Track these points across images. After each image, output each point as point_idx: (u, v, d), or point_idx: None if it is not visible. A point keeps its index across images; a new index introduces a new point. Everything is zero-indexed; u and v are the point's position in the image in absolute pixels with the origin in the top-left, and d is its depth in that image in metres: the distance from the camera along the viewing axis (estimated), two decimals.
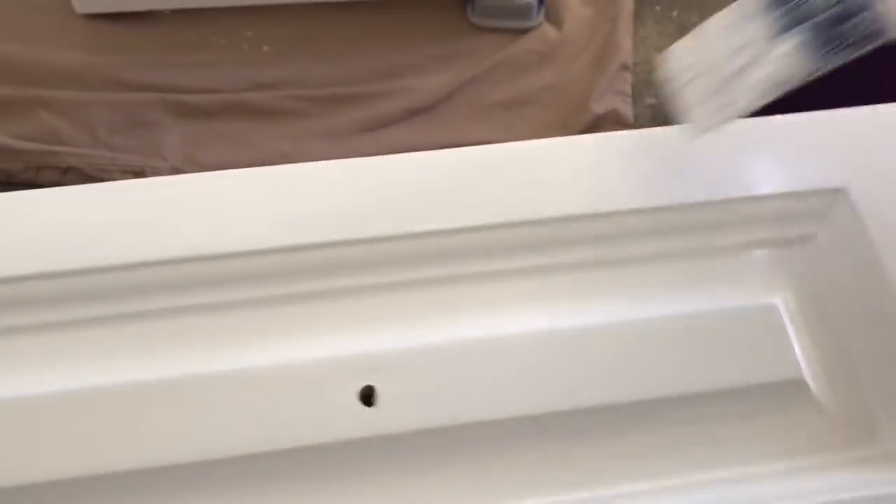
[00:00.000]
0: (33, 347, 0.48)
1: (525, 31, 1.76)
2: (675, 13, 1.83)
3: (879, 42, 0.48)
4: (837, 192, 0.56)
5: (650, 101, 1.72)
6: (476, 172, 0.51)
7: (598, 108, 1.64)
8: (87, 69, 1.67)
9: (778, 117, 0.56)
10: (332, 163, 0.51)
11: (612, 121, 1.64)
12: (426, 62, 1.72)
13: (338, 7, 1.75)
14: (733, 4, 0.52)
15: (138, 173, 1.55)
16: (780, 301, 0.53)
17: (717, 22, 0.52)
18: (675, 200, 0.52)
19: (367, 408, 0.47)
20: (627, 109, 1.67)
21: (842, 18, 0.48)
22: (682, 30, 1.82)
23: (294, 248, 0.48)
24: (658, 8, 1.82)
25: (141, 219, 0.49)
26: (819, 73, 0.49)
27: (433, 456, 0.47)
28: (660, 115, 1.71)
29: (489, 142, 1.64)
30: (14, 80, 1.65)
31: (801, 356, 0.52)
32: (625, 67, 1.72)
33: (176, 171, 1.55)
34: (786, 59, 0.49)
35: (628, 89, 1.70)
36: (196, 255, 0.48)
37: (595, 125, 1.64)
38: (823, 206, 0.57)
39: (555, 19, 1.78)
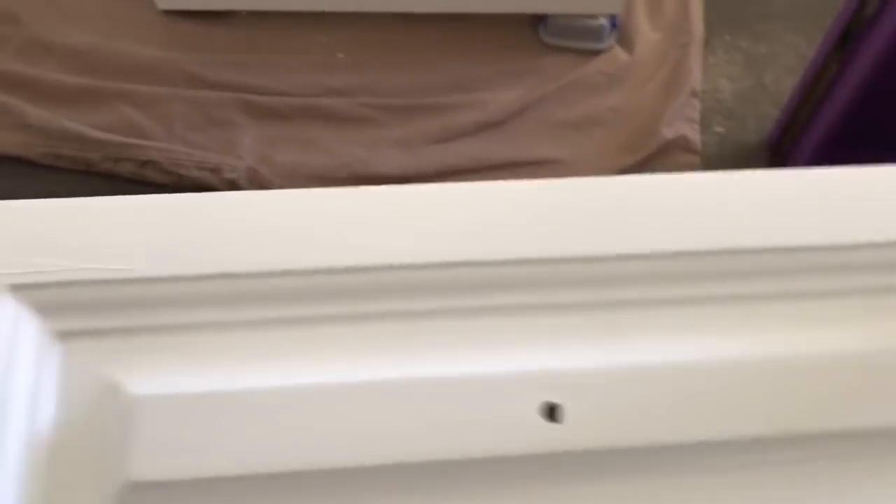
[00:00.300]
0: (258, 342, 0.50)
1: (596, 53, 1.78)
2: (743, 43, 1.84)
3: None
4: None
5: (718, 129, 1.73)
6: (661, 198, 0.53)
7: (668, 133, 1.66)
8: (166, 65, 1.70)
9: None
10: (524, 182, 0.53)
11: (680, 147, 1.66)
12: (498, 78, 1.75)
13: (412, 18, 1.78)
14: None
15: (215, 170, 1.57)
16: None
17: None
18: (840, 240, 0.54)
19: (550, 423, 0.49)
20: (696, 136, 1.68)
21: None
22: (750, 59, 1.85)
23: (488, 263, 0.50)
24: (728, 37, 1.84)
25: (346, 225, 0.51)
26: None
27: (614, 475, 0.49)
28: (727, 143, 1.72)
29: (557, 159, 1.67)
30: (95, 71, 1.68)
31: None
32: (694, 94, 1.73)
33: (252, 170, 1.58)
34: None
35: (697, 116, 1.72)
36: (394, 263, 0.50)
37: (664, 150, 1.65)
38: None
39: (626, 43, 1.80)
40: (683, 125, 1.69)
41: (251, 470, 0.48)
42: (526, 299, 0.51)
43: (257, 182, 1.56)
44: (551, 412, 0.49)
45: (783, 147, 1.65)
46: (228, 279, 0.52)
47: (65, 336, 0.51)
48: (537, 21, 1.79)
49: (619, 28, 1.80)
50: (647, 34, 1.82)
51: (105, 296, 0.52)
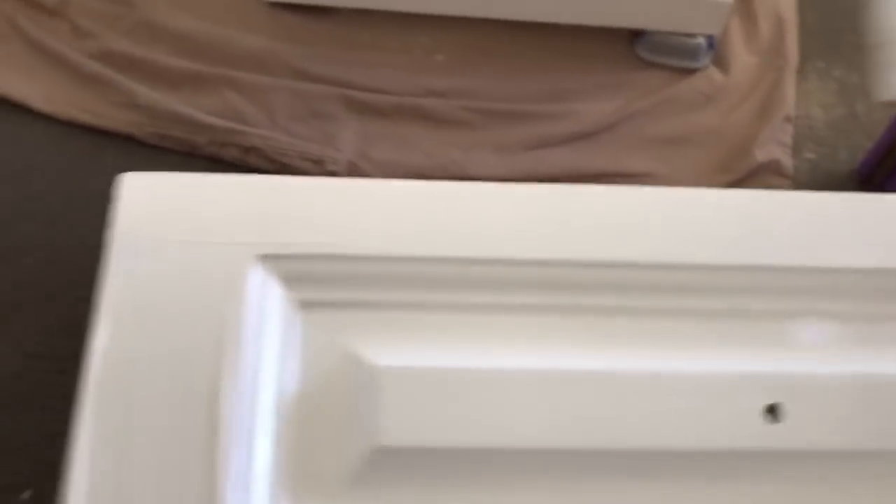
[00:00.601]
0: (488, 325, 0.53)
1: (691, 72, 1.80)
2: (837, 72, 1.85)
3: None
4: None
5: (809, 155, 1.74)
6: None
7: (761, 156, 1.67)
8: (271, 55, 1.74)
9: None
10: (765, 192, 0.56)
11: (772, 170, 1.67)
12: (593, 90, 1.77)
13: (511, 25, 1.80)
14: None
15: (317, 162, 1.61)
16: None
17: None
18: None
19: (770, 423, 0.51)
20: (788, 161, 1.70)
21: None
22: (844, 88, 1.86)
23: (727, 268, 0.53)
24: (822, 65, 1.85)
25: (588, 221, 0.54)
26: None
27: (827, 476, 0.51)
28: (818, 171, 1.73)
29: (649, 174, 1.69)
30: (202, 57, 1.72)
31: None
32: (787, 119, 1.75)
33: (352, 165, 1.61)
34: None
35: (789, 141, 1.73)
36: (634, 262, 0.53)
37: (755, 173, 1.67)
38: None
39: (721, 63, 1.82)
40: (776, 149, 1.70)
41: (485, 444, 0.50)
42: (760, 305, 0.54)
43: (357, 176, 1.60)
44: (772, 412, 0.51)
45: (875, 178, 1.66)
46: (462, 264, 0.54)
47: (306, 306, 0.54)
48: (634, 36, 1.81)
49: (716, 48, 1.81)
50: (742, 56, 1.83)
51: (345, 270, 0.54)
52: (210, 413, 0.47)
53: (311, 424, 0.50)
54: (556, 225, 0.53)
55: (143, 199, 0.53)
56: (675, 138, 1.72)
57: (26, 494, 1.32)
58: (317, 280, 0.54)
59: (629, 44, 1.83)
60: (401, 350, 0.52)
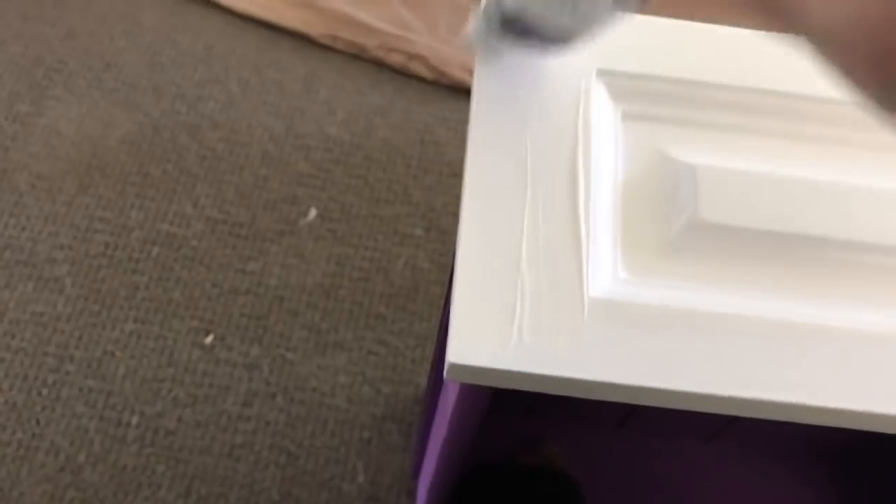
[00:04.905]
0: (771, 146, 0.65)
1: None
2: None
3: None
4: None
5: None
6: None
7: None
8: None
9: None
10: None
11: None
12: None
13: None
14: None
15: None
16: None
17: None
18: None
19: None
20: None
21: None
22: None
23: None
24: None
25: None
26: None
27: None
28: None
29: None
30: None
31: None
32: None
33: None
34: None
35: None
36: None
37: None
38: None
39: None
40: None
41: (770, 227, 0.62)
42: None
43: None
44: None
45: None
46: (754, 93, 0.66)
47: (628, 117, 0.67)
48: None
49: None
50: None
51: (661, 89, 0.67)
52: (571, 182, 0.60)
53: (637, 203, 0.62)
54: None
55: None
56: None
57: (208, 339, 1.48)
58: (637, 96, 0.66)
59: None
60: (707, 156, 0.64)
